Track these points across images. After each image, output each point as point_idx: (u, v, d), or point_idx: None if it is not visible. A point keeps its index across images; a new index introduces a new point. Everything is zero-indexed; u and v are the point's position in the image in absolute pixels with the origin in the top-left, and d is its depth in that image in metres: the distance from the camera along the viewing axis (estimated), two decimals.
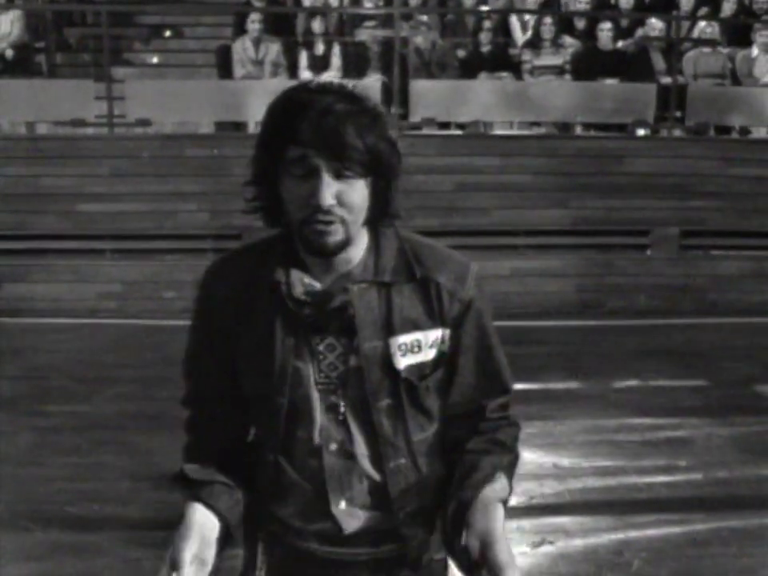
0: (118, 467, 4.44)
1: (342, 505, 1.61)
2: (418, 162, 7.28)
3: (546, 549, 3.64)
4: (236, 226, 6.89)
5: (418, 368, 1.57)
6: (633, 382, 5.80)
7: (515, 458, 1.64)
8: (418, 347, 1.57)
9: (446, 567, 1.72)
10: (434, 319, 1.57)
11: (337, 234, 1.48)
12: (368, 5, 8.94)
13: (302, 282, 1.54)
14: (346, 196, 1.46)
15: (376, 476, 1.60)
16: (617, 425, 5.03)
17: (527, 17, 8.78)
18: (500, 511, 1.49)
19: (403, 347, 1.56)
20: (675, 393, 5.58)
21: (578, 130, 8.30)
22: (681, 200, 7.69)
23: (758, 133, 8.44)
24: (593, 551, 3.67)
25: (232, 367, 1.61)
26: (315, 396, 1.57)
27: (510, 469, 1.60)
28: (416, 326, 1.56)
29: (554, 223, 7.66)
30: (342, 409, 1.57)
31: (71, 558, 3.59)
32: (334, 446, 1.58)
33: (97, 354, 6.54)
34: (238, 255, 1.66)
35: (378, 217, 1.54)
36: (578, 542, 3.73)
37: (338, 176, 1.45)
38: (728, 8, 8.92)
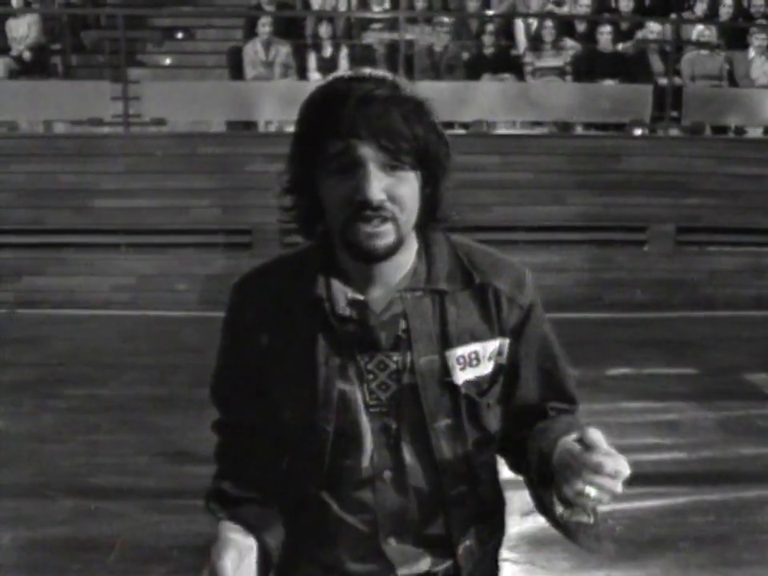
0: (135, 444, 4.71)
1: (393, 542, 1.47)
2: None
3: (536, 516, 3.90)
4: (247, 222, 7.19)
5: (477, 383, 1.45)
6: (625, 370, 6.06)
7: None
8: (476, 360, 1.44)
9: None
10: (493, 328, 1.44)
11: (388, 236, 1.32)
12: (375, 9, 9.22)
13: (345, 296, 1.40)
14: (396, 190, 1.31)
15: (433, 507, 1.46)
16: (608, 408, 5.28)
17: (530, 20, 9.04)
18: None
19: (462, 360, 1.42)
20: (665, 379, 5.83)
21: (579, 130, 8.55)
22: (677, 197, 7.93)
23: (754, 133, 8.67)
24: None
25: (268, 393, 1.46)
26: (365, 420, 1.43)
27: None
28: (474, 337, 1.43)
29: (554, 219, 7.91)
30: (395, 432, 1.43)
31: (94, 522, 3.86)
32: (387, 474, 1.44)
33: (112, 342, 6.83)
34: (271, 269, 1.49)
35: (428, 219, 1.40)
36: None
37: (387, 168, 1.31)
38: (725, 12, 9.14)
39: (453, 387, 1.42)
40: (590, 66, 8.46)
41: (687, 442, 4.81)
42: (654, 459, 4.57)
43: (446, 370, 1.42)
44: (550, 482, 1.32)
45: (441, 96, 8.16)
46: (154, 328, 7.28)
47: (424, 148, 1.32)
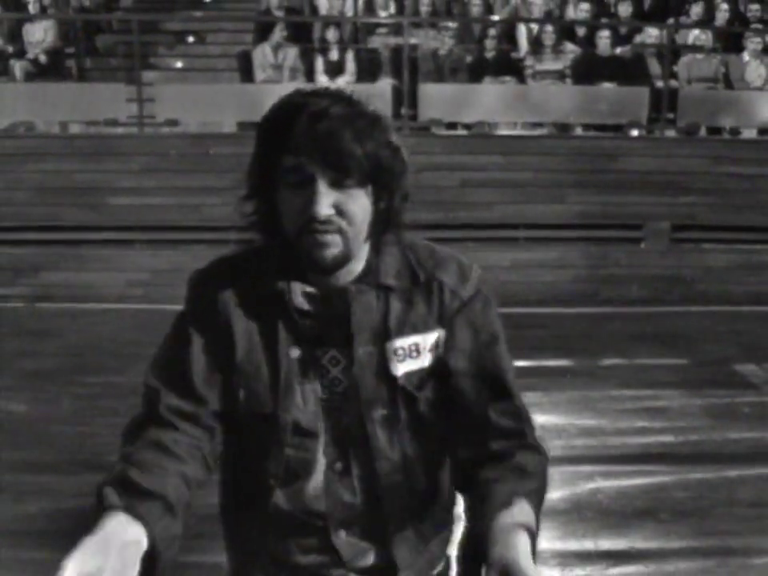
0: None
1: (343, 535, 1.51)
2: (426, 159, 7.81)
3: None
4: None
5: (417, 376, 1.47)
6: (618, 360, 6.32)
7: (540, 485, 1.41)
8: (416, 351, 1.46)
9: None
10: (433, 319, 1.47)
11: (335, 246, 1.38)
12: (381, 14, 9.50)
13: (302, 292, 1.45)
14: (345, 205, 1.37)
15: (372, 496, 1.50)
16: (600, 395, 5.55)
17: (532, 24, 9.32)
18: (522, 538, 1.25)
19: (400, 352, 1.45)
20: (657, 370, 6.09)
21: (579, 131, 8.82)
22: (672, 196, 8.18)
23: (749, 134, 8.93)
24: (571, 493, 4.19)
25: (223, 383, 1.46)
26: (319, 414, 1.47)
27: (533, 496, 1.35)
28: (414, 329, 1.46)
29: (553, 217, 8.17)
30: (345, 426, 1.47)
31: None
32: (338, 466, 1.49)
33: (127, 334, 7.10)
34: (232, 262, 1.53)
35: (382, 230, 1.45)
36: (559, 487, 4.25)
37: (336, 185, 1.36)
38: (722, 16, 9.40)
39: (390, 379, 1.45)
40: (589, 69, 8.72)
41: (674, 425, 5.07)
42: (642, 442, 4.84)
43: (384, 361, 1.44)
44: (477, 564, 1.28)
45: (444, 98, 8.56)
46: (166, 321, 7.46)
47: (375, 164, 1.36)
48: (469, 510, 1.39)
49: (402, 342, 1.45)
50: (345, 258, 1.40)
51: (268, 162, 1.40)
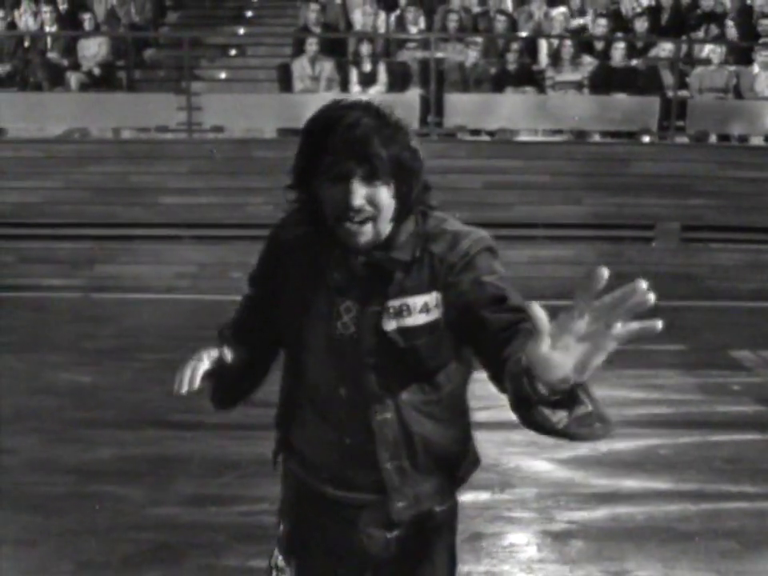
0: (206, 391, 5.64)
1: (348, 442, 1.80)
2: (452, 163, 8.46)
3: (535, 453, 4.77)
4: None
5: (407, 331, 1.72)
6: (623, 346, 6.85)
7: None
8: (407, 311, 1.72)
9: (453, 516, 1.92)
10: (423, 284, 1.72)
11: (367, 234, 1.69)
12: (412, 29, 10.16)
13: (337, 255, 1.77)
14: (374, 197, 1.67)
15: (368, 427, 1.76)
16: (603, 374, 6.04)
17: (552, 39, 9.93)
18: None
19: (391, 310, 1.72)
20: (658, 354, 6.63)
21: (597, 137, 9.39)
22: (682, 198, 8.72)
23: (756, 141, 9.45)
24: (571, 451, 4.76)
25: (276, 301, 1.84)
26: (332, 348, 1.77)
27: None
28: (404, 291, 1.72)
29: (569, 217, 8.75)
30: (348, 360, 1.76)
31: (177, 443, 4.83)
32: (343, 392, 1.78)
33: (175, 320, 7.76)
34: (302, 218, 1.82)
35: (403, 214, 1.73)
36: (560, 445, 4.84)
37: (367, 181, 1.66)
38: (733, 30, 9.94)
39: (382, 332, 1.72)
40: (605, 80, 9.31)
41: (668, 398, 5.65)
42: (639, 411, 5.42)
43: (379, 318, 1.73)
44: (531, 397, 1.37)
45: (469, 106, 9.20)
46: (211, 310, 8.21)
47: (398, 164, 1.67)
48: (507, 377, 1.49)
49: (394, 303, 1.72)
50: (375, 241, 1.71)
51: (311, 160, 1.69)
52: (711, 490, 4.30)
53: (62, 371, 6.22)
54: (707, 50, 9.89)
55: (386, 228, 1.72)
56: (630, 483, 4.38)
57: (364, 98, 1.80)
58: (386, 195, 1.68)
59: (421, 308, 1.72)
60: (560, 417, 1.38)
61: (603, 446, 4.81)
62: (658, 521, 3.99)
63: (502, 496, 4.21)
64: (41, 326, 7.67)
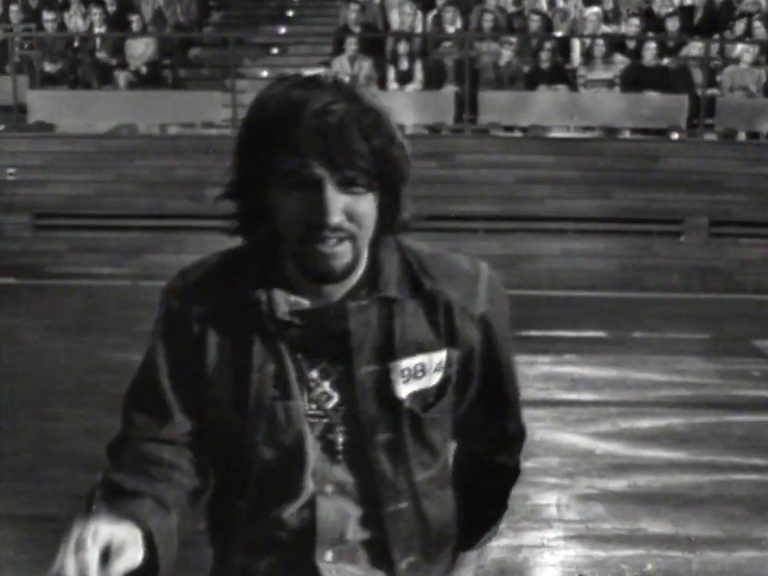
0: None
1: (329, 556, 1.39)
2: (485, 158, 8.78)
3: (559, 428, 5.07)
4: None
5: (422, 396, 1.36)
6: (649, 334, 7.16)
7: (502, 508, 1.59)
8: (422, 372, 1.35)
9: None
10: (441, 338, 1.36)
11: (345, 256, 1.26)
12: (449, 29, 10.47)
13: (286, 301, 1.32)
14: (354, 208, 1.24)
15: (373, 524, 1.38)
16: (628, 359, 6.41)
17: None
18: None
19: (406, 373, 1.34)
20: (682, 342, 6.91)
21: (627, 134, 9.64)
22: (710, 194, 8.94)
23: None
24: (595, 427, 5.07)
25: (197, 400, 1.36)
26: (306, 431, 1.34)
27: (495, 526, 1.60)
28: (420, 348, 1.34)
29: (600, 212, 9.00)
30: (340, 447, 1.36)
31: None
32: (329, 489, 1.37)
33: None
34: (206, 269, 1.42)
35: (385, 231, 1.32)
36: (585, 422, 5.14)
37: (344, 187, 1.23)
38: (761, 30, 10.12)
39: (395, 401, 1.34)
40: (636, 79, 9.55)
41: (688, 382, 5.92)
42: (660, 393, 5.71)
43: (388, 383, 1.33)
44: None
45: (502, 103, 9.52)
46: None
47: (385, 163, 1.24)
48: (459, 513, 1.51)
49: (408, 363, 1.34)
50: (353, 267, 1.29)
51: (259, 162, 1.25)
52: (723, 463, 4.58)
53: (116, 351, 6.61)
54: (739, 48, 10.08)
55: (364, 249, 1.30)
56: (648, 455, 4.67)
57: (324, 71, 1.34)
58: (368, 207, 1.26)
59: (437, 366, 1.37)
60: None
61: (624, 423, 5.12)
62: (672, 488, 4.28)
63: (526, 464, 4.49)
64: (93, 311, 8.11)
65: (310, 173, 1.21)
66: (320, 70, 1.34)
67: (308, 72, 1.29)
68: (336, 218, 1.22)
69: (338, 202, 1.22)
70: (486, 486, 1.54)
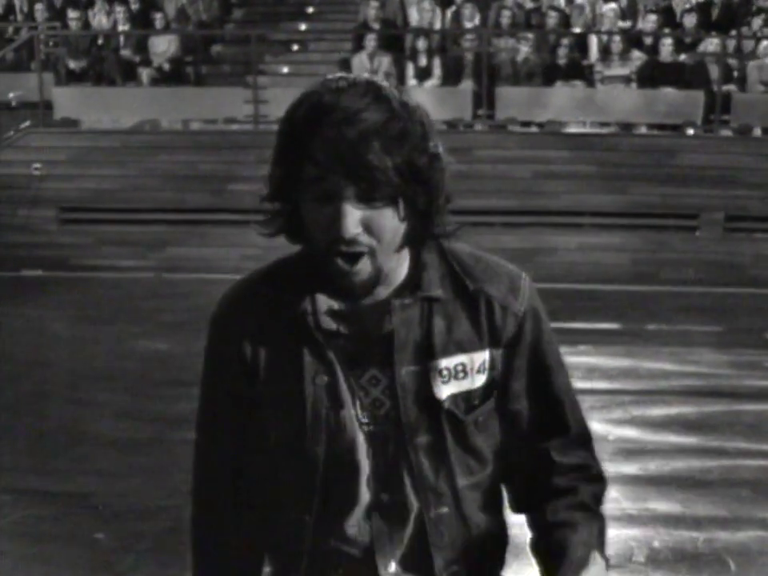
0: None
1: (392, 568, 1.37)
2: (502, 153, 8.92)
3: None
4: None
5: (464, 398, 1.34)
6: (663, 326, 7.28)
7: (602, 522, 1.39)
8: (463, 372, 1.33)
9: None
10: (483, 339, 1.34)
11: (363, 273, 1.26)
12: (467, 25, 10.60)
13: (331, 309, 1.32)
14: (373, 222, 1.23)
15: (419, 530, 1.36)
16: (641, 350, 6.54)
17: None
18: None
19: (445, 373, 1.32)
20: (694, 334, 7.04)
21: (643, 130, 9.74)
22: (726, 189, 9.02)
23: None
24: (607, 414, 5.21)
25: (255, 420, 1.37)
26: (361, 441, 1.33)
27: (601, 538, 1.36)
28: (461, 348, 1.32)
29: (616, 206, 9.12)
30: (392, 451, 1.34)
31: None
32: (385, 497, 1.35)
33: None
34: (256, 281, 1.41)
35: (419, 239, 1.31)
36: (599, 409, 5.27)
37: (363, 201, 1.22)
38: None
39: (434, 401, 1.32)
40: (652, 75, 9.65)
41: (700, 372, 6.05)
42: (671, 383, 5.83)
43: (427, 383, 1.32)
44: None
45: (520, 99, 9.66)
46: None
47: (410, 176, 1.22)
48: (543, 561, 1.36)
49: (448, 362, 1.32)
50: (375, 280, 1.28)
51: (290, 169, 1.25)
52: (731, 448, 4.71)
53: (142, 340, 6.83)
54: (766, 44, 10.08)
55: (388, 261, 1.28)
56: (658, 440, 4.81)
57: (367, 76, 1.29)
58: (389, 220, 1.24)
59: (479, 367, 1.34)
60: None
61: (635, 410, 5.26)
62: (681, 472, 4.42)
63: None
64: (119, 301, 8.32)
65: (328, 185, 1.21)
66: (362, 74, 1.30)
67: (347, 75, 1.27)
68: (351, 231, 1.21)
69: (354, 215, 1.21)
70: (564, 490, 1.39)
